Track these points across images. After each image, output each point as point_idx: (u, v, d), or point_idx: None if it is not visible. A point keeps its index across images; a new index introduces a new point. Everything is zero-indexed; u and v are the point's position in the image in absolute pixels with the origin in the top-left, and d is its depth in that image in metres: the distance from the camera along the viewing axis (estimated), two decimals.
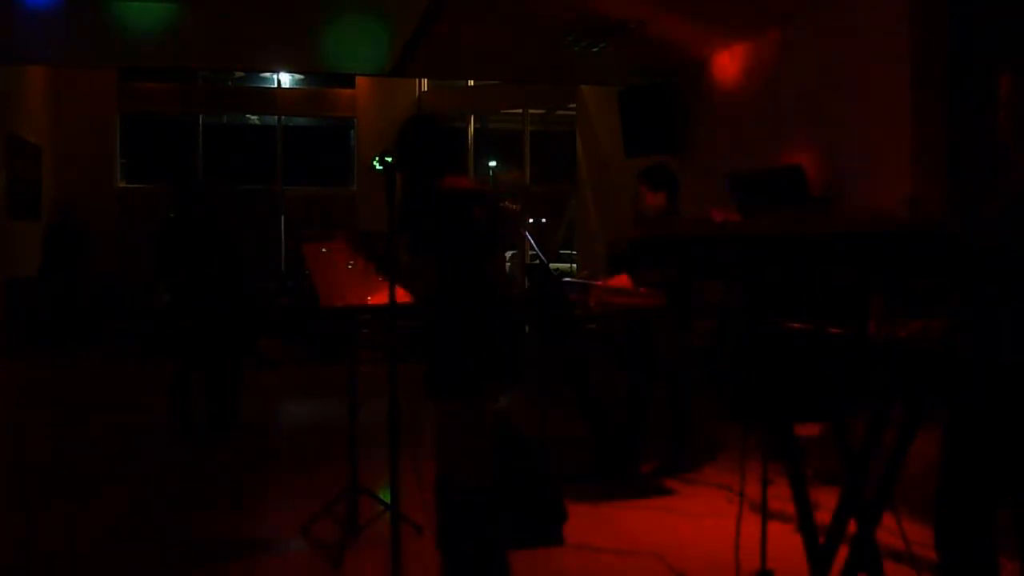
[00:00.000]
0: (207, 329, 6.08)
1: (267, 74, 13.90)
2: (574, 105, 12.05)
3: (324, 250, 3.99)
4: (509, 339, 3.05)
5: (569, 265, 13.23)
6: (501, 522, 3.06)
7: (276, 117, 14.07)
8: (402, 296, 3.74)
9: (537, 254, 5.16)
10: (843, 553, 2.48)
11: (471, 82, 13.73)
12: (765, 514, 3.24)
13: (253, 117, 14.82)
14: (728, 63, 7.93)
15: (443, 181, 3.04)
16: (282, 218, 13.53)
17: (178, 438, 5.98)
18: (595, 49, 7.64)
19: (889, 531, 2.77)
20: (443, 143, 3.17)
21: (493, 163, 15.08)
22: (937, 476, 2.44)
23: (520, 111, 13.69)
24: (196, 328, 6.06)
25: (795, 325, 2.34)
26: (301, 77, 14.09)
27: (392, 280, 2.96)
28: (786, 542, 3.69)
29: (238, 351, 6.41)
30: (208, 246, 6.13)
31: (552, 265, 6.58)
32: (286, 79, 14.06)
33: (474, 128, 14.09)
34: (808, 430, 4.58)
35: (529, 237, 5.50)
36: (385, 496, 3.78)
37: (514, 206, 3.28)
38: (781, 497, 4.01)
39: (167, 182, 6.27)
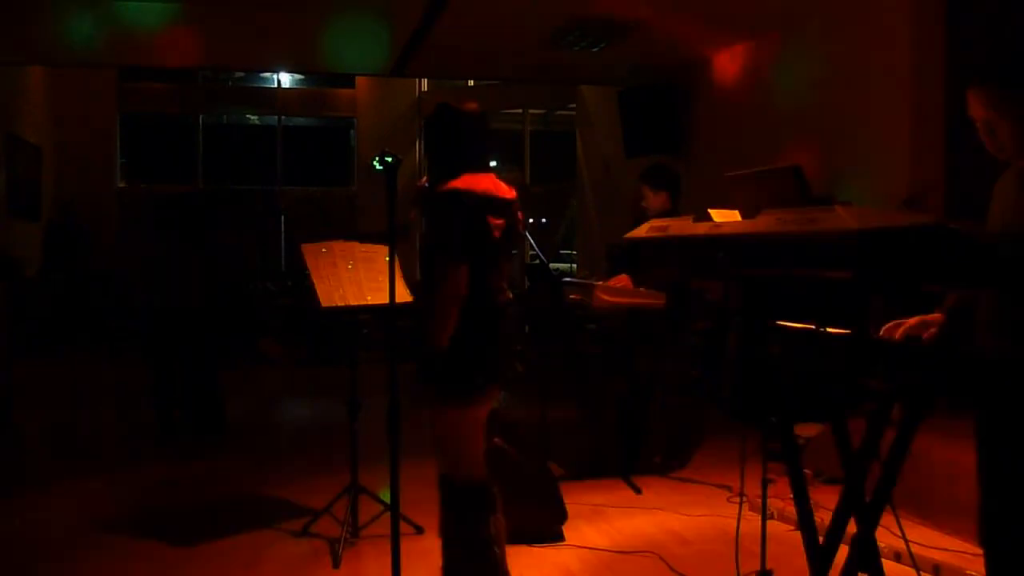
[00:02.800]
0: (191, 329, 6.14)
1: (267, 74, 13.90)
2: (574, 105, 12.05)
3: (323, 250, 3.99)
4: (504, 342, 3.03)
5: (569, 265, 13.23)
6: (500, 520, 3.06)
7: (276, 117, 14.07)
8: (402, 296, 3.75)
9: (537, 254, 5.15)
10: (843, 553, 2.48)
11: (471, 82, 13.73)
12: (765, 514, 3.24)
13: (253, 117, 14.82)
14: (728, 63, 7.93)
15: (457, 180, 2.94)
16: (282, 218, 13.53)
17: (180, 437, 6.00)
18: (595, 49, 7.64)
19: (889, 531, 2.77)
20: (465, 136, 3.02)
21: (493, 163, 15.07)
22: (978, 478, 2.42)
23: (520, 111, 13.69)
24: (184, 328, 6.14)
25: (795, 325, 2.34)
26: (301, 77, 14.09)
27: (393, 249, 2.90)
28: (786, 542, 3.69)
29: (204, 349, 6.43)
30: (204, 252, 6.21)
31: (552, 265, 6.58)
32: (286, 79, 14.05)
33: None
34: (808, 430, 4.59)
35: (529, 237, 5.49)
36: (385, 496, 3.78)
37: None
38: (781, 497, 4.02)
39: (174, 195, 6.38)
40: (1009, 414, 2.22)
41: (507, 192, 3.04)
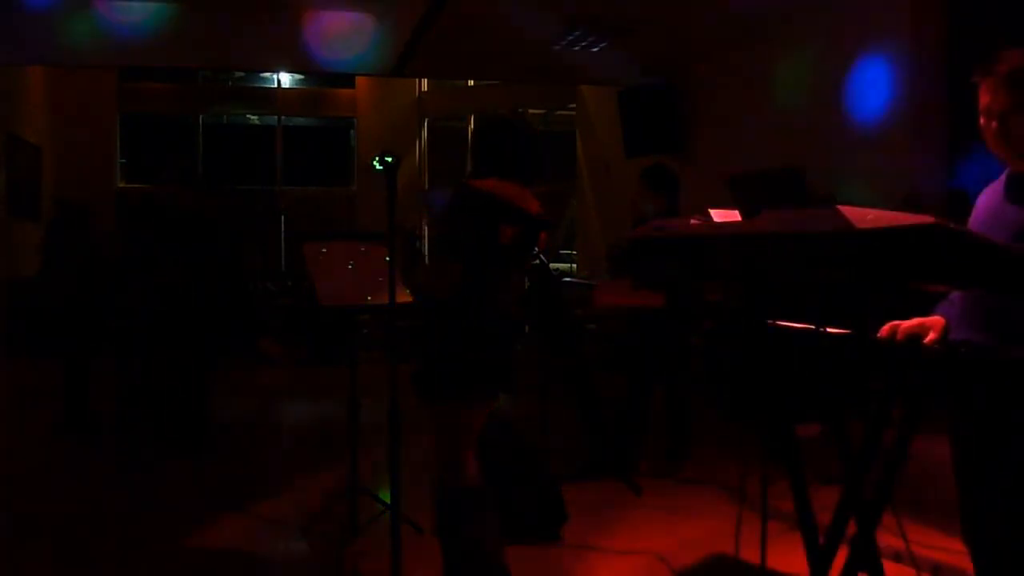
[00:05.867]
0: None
1: (267, 74, 13.91)
2: (574, 105, 12.05)
3: (323, 250, 4.00)
4: (503, 350, 3.02)
5: (569, 265, 13.23)
6: (500, 521, 3.06)
7: (276, 117, 14.08)
8: (402, 296, 3.75)
9: (537, 254, 5.16)
10: (843, 553, 2.48)
11: (471, 82, 13.73)
12: (765, 514, 3.24)
13: (253, 117, 14.82)
14: (728, 63, 7.93)
15: (485, 182, 2.96)
16: (282, 218, 13.54)
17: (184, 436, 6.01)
18: (595, 49, 7.64)
19: (889, 531, 2.77)
20: (508, 145, 3.09)
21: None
22: (955, 475, 2.42)
23: (520, 111, 13.70)
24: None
25: (795, 325, 2.34)
26: (301, 77, 14.10)
27: (396, 264, 2.92)
28: (786, 542, 3.69)
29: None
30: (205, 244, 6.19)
31: (552, 265, 6.59)
32: (286, 79, 14.06)
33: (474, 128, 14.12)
34: (808, 430, 4.58)
35: None
36: (385, 496, 3.78)
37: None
38: (781, 497, 4.02)
39: (169, 182, 6.33)
40: (1007, 414, 2.22)
41: (532, 207, 3.05)
